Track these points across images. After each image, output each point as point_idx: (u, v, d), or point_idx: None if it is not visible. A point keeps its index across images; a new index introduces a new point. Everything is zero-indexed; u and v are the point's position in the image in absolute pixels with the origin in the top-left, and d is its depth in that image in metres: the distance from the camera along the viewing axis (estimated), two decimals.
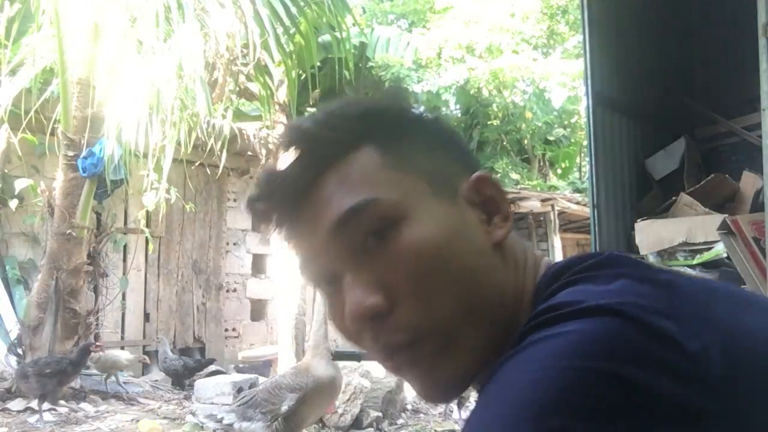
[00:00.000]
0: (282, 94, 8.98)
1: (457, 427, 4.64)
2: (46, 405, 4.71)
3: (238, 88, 7.12)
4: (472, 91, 11.18)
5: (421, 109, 0.70)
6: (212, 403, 4.09)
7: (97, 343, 5.31)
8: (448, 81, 10.96)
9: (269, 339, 7.25)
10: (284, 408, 3.25)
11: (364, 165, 0.62)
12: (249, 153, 6.59)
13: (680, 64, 5.03)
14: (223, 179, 6.81)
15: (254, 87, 8.17)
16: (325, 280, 0.64)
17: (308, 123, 0.66)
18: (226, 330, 6.98)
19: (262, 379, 4.38)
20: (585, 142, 15.40)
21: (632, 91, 4.63)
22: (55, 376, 4.67)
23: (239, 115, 9.25)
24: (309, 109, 10.74)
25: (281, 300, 4.73)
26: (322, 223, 0.61)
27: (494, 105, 11.72)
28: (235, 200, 7.15)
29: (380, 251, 0.59)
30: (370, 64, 10.61)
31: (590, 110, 4.34)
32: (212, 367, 5.99)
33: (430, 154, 0.65)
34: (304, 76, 7.70)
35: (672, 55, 4.94)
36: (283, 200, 0.64)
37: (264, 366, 5.77)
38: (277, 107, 9.05)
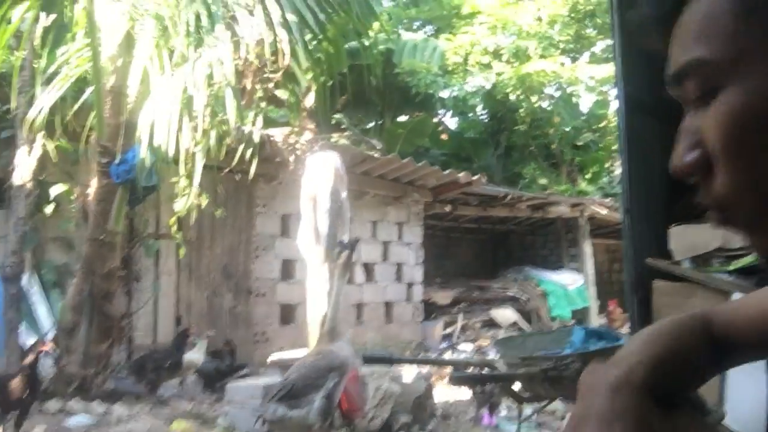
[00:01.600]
0: (309, 100, 9.07)
1: None
2: (81, 406, 4.81)
3: (266, 95, 7.19)
4: (499, 96, 11.15)
5: None
6: (243, 407, 4.12)
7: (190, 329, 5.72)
8: (475, 86, 10.94)
9: (298, 342, 7.29)
10: (331, 385, 3.41)
11: (712, 5, 0.57)
12: (277, 159, 6.64)
13: None
14: (253, 185, 6.87)
15: (281, 93, 8.26)
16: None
17: None
18: (256, 334, 7.03)
19: None
20: (614, 147, 15.26)
21: (665, 93, 4.56)
22: (171, 367, 5.23)
23: (267, 122, 9.34)
24: (336, 115, 10.80)
25: (310, 304, 4.75)
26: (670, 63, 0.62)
27: (522, 110, 11.66)
28: (264, 206, 7.21)
29: (704, 111, 0.58)
30: (397, 70, 10.64)
31: (622, 113, 4.27)
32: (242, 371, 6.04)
33: None
34: (331, 82, 7.76)
35: None
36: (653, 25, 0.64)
37: None
38: (304, 113, 9.13)
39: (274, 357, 6.40)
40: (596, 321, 11.18)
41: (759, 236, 0.58)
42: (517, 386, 3.08)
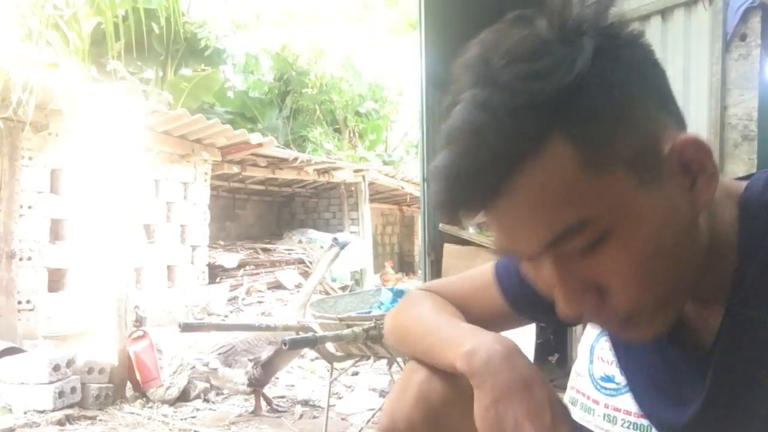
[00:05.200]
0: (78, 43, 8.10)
1: (286, 392, 4.71)
2: None
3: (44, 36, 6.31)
4: (290, 59, 11.07)
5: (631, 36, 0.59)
6: (22, 384, 3.68)
7: None
8: (268, 45, 10.71)
9: (70, 312, 6.67)
10: (264, 356, 3.81)
11: (562, 171, 0.55)
12: (51, 107, 5.89)
13: None
14: (16, 134, 6.03)
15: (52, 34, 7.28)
16: (521, 259, 0.66)
17: (471, 110, 0.56)
18: (20, 302, 6.26)
19: (81, 355, 4.04)
20: (392, 117, 16.04)
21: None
22: None
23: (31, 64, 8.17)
24: (111, 61, 9.85)
25: (102, 271, 4.36)
26: (523, 237, 0.60)
27: (312, 74, 11.73)
28: (30, 158, 6.37)
29: (588, 259, 0.59)
30: (185, 19, 9.98)
31: (423, 89, 4.57)
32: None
33: (632, 124, 0.56)
34: (103, 25, 7.04)
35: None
36: (470, 204, 0.60)
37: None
38: (77, 57, 8.15)
39: (47, 329, 5.79)
40: (372, 280, 11.88)
41: (659, 321, 0.66)
42: (329, 346, 3.20)
